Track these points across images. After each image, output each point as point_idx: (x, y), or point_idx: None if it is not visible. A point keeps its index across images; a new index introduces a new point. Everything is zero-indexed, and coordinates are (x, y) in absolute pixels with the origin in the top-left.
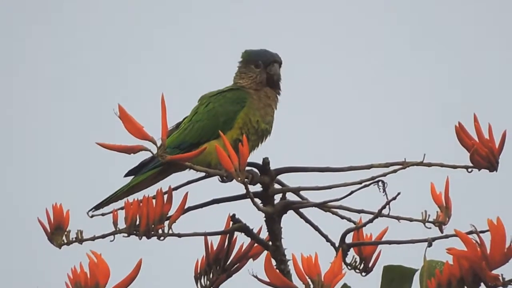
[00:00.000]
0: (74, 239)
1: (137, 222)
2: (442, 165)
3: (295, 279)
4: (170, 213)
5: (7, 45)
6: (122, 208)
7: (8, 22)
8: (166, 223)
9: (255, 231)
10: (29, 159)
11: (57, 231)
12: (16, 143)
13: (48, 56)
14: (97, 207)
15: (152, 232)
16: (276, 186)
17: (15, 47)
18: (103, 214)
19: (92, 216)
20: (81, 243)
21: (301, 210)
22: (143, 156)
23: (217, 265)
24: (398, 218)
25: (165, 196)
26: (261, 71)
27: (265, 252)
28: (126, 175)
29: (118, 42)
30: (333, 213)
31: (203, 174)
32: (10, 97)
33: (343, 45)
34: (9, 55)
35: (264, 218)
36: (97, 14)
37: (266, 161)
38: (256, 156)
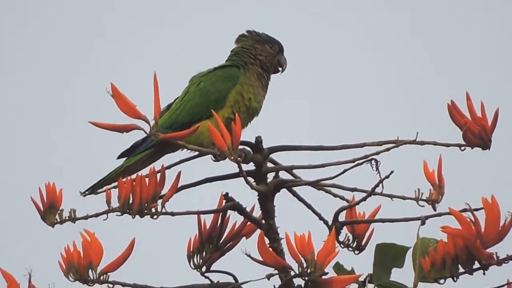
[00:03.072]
0: (67, 218)
1: (130, 201)
2: (435, 143)
3: (288, 258)
4: (163, 192)
5: None
6: (115, 187)
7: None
8: (159, 202)
9: (248, 209)
10: (21, 140)
11: (50, 210)
12: (8, 123)
13: (36, 35)
14: (91, 189)
15: (145, 211)
16: (269, 164)
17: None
18: (96, 193)
19: (84, 195)
20: (74, 222)
21: (294, 188)
22: (135, 137)
23: (210, 243)
24: (391, 196)
25: (158, 175)
26: (274, 55)
27: (258, 230)
28: (119, 157)
29: (110, 21)
30: (326, 191)
31: (196, 153)
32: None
33: (334, 23)
34: None
35: (257, 197)
36: None
37: (259, 140)
38: (248, 135)
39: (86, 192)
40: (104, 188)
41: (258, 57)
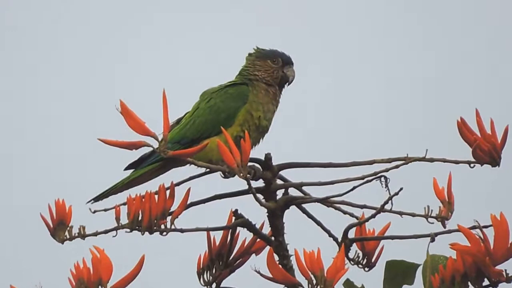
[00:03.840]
0: (76, 235)
1: (140, 218)
2: (444, 160)
3: (298, 275)
4: (173, 208)
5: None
6: (124, 204)
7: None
8: (169, 218)
9: (257, 226)
10: (30, 155)
11: (60, 227)
12: (16, 138)
13: (46, 49)
14: (97, 199)
15: (155, 228)
16: (279, 181)
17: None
18: (105, 210)
19: (94, 212)
20: (84, 239)
21: (303, 205)
22: (144, 150)
23: (220, 260)
24: (400, 213)
25: (167, 192)
26: (278, 68)
27: (268, 247)
28: (126, 168)
29: (120, 36)
30: (336, 208)
31: (204, 169)
32: (9, 92)
33: (344, 40)
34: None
35: (267, 214)
36: (101, 7)
37: (268, 157)
38: (258, 151)
39: (93, 201)
40: (114, 204)
41: (257, 73)
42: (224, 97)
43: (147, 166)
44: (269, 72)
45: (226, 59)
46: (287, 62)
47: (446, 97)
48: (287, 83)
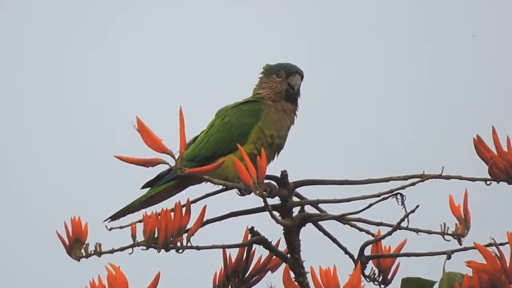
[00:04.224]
0: (92, 252)
1: (156, 235)
2: (460, 178)
3: None
4: (189, 226)
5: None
6: (140, 221)
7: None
8: (185, 235)
9: (273, 243)
10: (47, 173)
11: (76, 244)
12: (33, 156)
13: (60, 71)
14: (113, 217)
15: (171, 245)
16: (295, 199)
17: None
18: (121, 227)
19: (110, 229)
20: (100, 256)
21: (319, 222)
22: (160, 167)
23: (236, 277)
24: (417, 231)
25: (183, 209)
26: (282, 81)
27: (284, 264)
28: (143, 187)
29: (136, 52)
30: (352, 225)
31: (221, 187)
32: (24, 111)
33: (359, 56)
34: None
35: (283, 231)
36: (115, 24)
37: (284, 174)
38: (274, 169)
39: (109, 220)
40: (129, 222)
41: (261, 91)
42: (238, 115)
43: (163, 184)
44: (272, 88)
45: (246, 74)
46: (291, 72)
47: (463, 114)
48: (295, 94)
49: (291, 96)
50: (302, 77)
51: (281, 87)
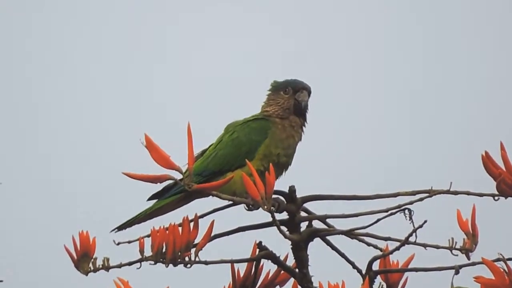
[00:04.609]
0: (100, 266)
1: (164, 250)
2: (468, 193)
3: None
4: (197, 240)
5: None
6: (148, 236)
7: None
8: (193, 250)
9: (281, 258)
10: (54, 186)
11: (84, 258)
12: (40, 170)
13: (69, 85)
14: (120, 228)
15: (179, 260)
16: (303, 214)
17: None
18: (129, 242)
19: (118, 244)
20: (108, 270)
21: (327, 237)
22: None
23: None
24: (424, 246)
25: (191, 224)
26: (289, 97)
27: (292, 279)
28: (150, 198)
29: (144, 68)
30: (360, 240)
31: (228, 202)
32: (36, 121)
33: (368, 69)
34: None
35: (291, 246)
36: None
37: (292, 189)
38: (282, 184)
39: (116, 230)
40: (138, 236)
41: (268, 109)
42: (246, 131)
43: (170, 197)
44: (279, 105)
45: (255, 89)
46: (298, 88)
47: (471, 130)
48: (303, 109)
49: (299, 111)
50: (309, 93)
51: (289, 103)
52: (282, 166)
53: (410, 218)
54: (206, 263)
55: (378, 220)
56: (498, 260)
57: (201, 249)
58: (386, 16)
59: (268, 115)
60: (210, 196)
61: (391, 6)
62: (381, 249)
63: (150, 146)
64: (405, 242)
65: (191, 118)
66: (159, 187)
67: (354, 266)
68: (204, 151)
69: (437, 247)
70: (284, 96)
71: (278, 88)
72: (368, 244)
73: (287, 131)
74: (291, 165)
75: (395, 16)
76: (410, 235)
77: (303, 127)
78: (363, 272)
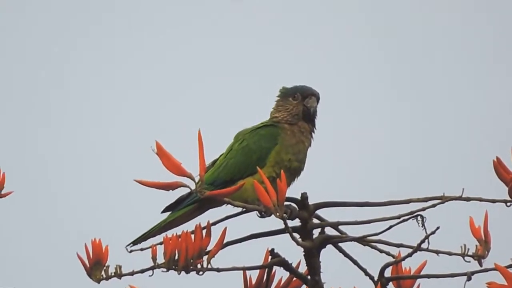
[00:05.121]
0: (113, 274)
1: (176, 257)
2: (480, 200)
3: None
4: (209, 248)
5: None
6: (161, 243)
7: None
8: (205, 257)
9: (293, 265)
10: (67, 195)
11: (96, 266)
12: (53, 179)
13: (80, 93)
14: (135, 242)
15: (191, 267)
16: (315, 220)
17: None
18: (142, 249)
19: (131, 251)
20: (120, 278)
21: (340, 244)
22: (180, 192)
23: None
24: (437, 252)
25: (204, 231)
26: (298, 103)
27: (304, 286)
28: (164, 211)
29: (155, 77)
30: (372, 247)
31: (241, 209)
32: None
33: (379, 76)
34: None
35: (303, 253)
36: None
37: (304, 196)
38: (294, 191)
39: (131, 245)
40: (150, 244)
41: (277, 115)
42: (256, 139)
43: (184, 208)
44: (288, 111)
45: (265, 95)
46: (307, 94)
47: (482, 136)
48: (311, 115)
49: (308, 117)
50: (318, 99)
51: (298, 109)
52: (294, 172)
53: (423, 224)
54: (218, 270)
55: (391, 226)
56: (510, 266)
57: (214, 257)
58: None
59: (277, 121)
60: (223, 206)
61: None
62: (393, 256)
63: (161, 153)
64: (418, 248)
65: (202, 125)
66: (172, 199)
67: (366, 273)
68: (215, 161)
69: (450, 253)
70: (293, 102)
71: (287, 94)
72: (381, 251)
73: (296, 136)
74: (303, 171)
75: None
76: (423, 241)
77: (312, 133)
78: (375, 279)
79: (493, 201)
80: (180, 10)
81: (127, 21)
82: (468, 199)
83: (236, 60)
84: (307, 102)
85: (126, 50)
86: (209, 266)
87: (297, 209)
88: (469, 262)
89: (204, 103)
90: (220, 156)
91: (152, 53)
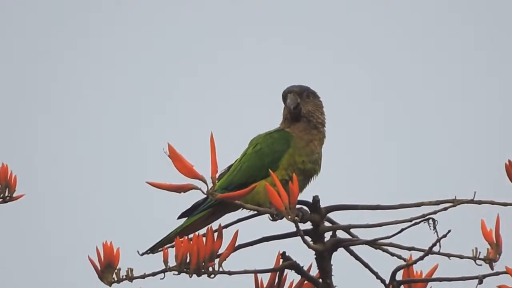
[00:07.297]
0: (124, 277)
1: (188, 260)
2: (492, 203)
3: None
4: (221, 250)
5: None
6: (172, 246)
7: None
8: (217, 261)
9: (305, 268)
10: (79, 198)
11: (108, 269)
12: (65, 182)
13: (92, 104)
14: (152, 249)
15: (203, 270)
16: (327, 223)
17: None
18: (153, 252)
19: (142, 254)
20: (132, 281)
21: (351, 247)
22: (196, 198)
23: None
24: (448, 255)
25: (215, 234)
26: (285, 108)
27: None
28: (180, 217)
29: (170, 82)
30: (383, 250)
31: (253, 212)
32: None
33: (393, 83)
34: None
35: (315, 256)
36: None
37: (316, 199)
38: (306, 194)
39: (148, 252)
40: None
41: (280, 123)
42: (269, 142)
43: (199, 213)
44: (283, 117)
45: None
46: (285, 95)
47: (495, 139)
48: (293, 114)
49: (294, 116)
50: (297, 92)
51: (285, 113)
52: (308, 174)
53: (434, 227)
54: (229, 273)
55: (402, 230)
56: None
57: (225, 259)
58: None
59: (282, 128)
60: (238, 211)
61: None
62: (404, 259)
63: (174, 155)
64: (429, 252)
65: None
66: (188, 205)
67: (378, 276)
68: (230, 167)
69: (461, 257)
70: (285, 105)
71: (283, 99)
72: (392, 254)
73: (305, 138)
74: (319, 172)
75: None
76: (434, 244)
77: (317, 127)
78: (387, 282)
79: (505, 204)
80: (190, 11)
81: (134, 20)
82: (479, 202)
83: (254, 66)
84: (287, 103)
85: (142, 51)
86: (221, 269)
87: (309, 212)
88: (481, 265)
89: (219, 109)
90: (235, 161)
91: (164, 55)
